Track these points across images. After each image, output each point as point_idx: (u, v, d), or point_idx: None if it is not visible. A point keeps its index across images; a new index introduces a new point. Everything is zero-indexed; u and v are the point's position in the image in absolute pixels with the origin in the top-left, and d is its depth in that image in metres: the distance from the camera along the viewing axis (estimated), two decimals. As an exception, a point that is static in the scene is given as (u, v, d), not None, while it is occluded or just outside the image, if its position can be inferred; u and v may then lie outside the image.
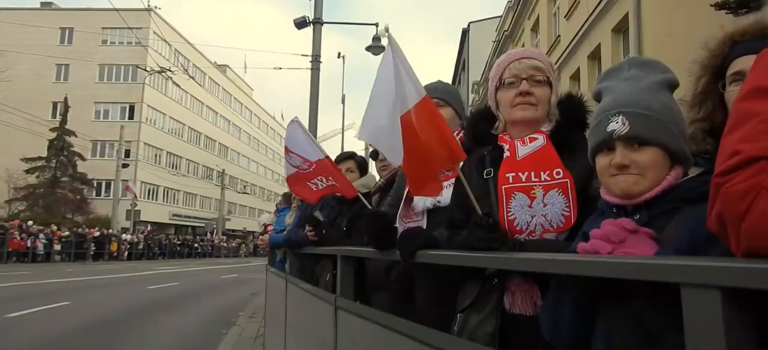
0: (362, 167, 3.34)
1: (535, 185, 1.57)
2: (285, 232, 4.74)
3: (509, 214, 1.58)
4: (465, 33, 38.74)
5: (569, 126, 1.67)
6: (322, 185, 2.84)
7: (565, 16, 15.22)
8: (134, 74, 43.74)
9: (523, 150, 1.65)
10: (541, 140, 1.65)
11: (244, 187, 62.18)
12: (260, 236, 4.90)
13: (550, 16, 17.59)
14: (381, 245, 2.02)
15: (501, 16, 27.39)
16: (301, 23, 14.22)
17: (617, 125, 1.21)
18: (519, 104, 1.68)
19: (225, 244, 50.47)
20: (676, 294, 0.85)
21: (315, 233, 3.32)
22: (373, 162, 3.13)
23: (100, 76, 45.92)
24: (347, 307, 2.45)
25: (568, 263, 1.08)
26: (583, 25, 12.60)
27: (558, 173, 1.56)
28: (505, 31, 23.86)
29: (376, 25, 15.96)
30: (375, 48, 15.95)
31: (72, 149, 39.34)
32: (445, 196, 2.11)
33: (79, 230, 32.00)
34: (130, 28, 32.43)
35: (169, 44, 39.31)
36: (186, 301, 12.97)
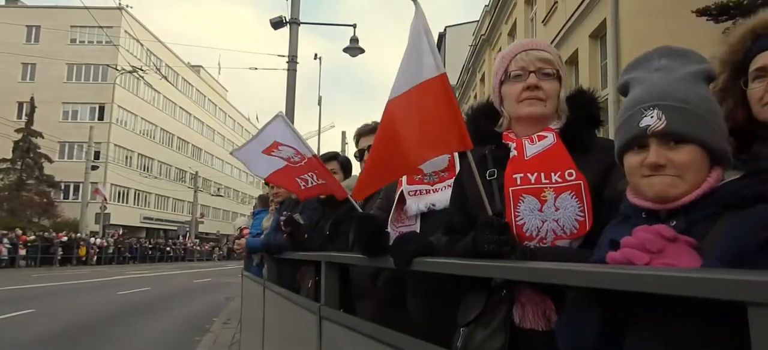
0: (346, 168, 3.18)
1: (546, 188, 1.44)
2: (263, 236, 4.55)
3: (517, 219, 1.44)
4: (441, 37, 38.93)
5: (580, 123, 1.54)
6: (311, 183, 2.68)
7: (542, 22, 15.28)
8: (104, 74, 42.72)
9: (531, 149, 1.51)
10: (550, 138, 1.52)
11: (218, 189, 61.29)
12: (236, 241, 4.68)
13: (528, 21, 17.66)
14: (372, 250, 1.87)
15: (478, 21, 27.51)
16: (277, 23, 14.00)
17: (652, 120, 1.07)
18: (526, 98, 1.55)
19: (198, 247, 49.60)
20: (728, 312, 0.74)
21: (293, 237, 3.14)
22: (358, 163, 2.97)
23: (69, 76, 44.70)
24: (333, 317, 2.30)
25: (606, 276, 0.94)
26: (560, 31, 12.64)
27: (570, 175, 1.43)
28: (482, 35, 23.93)
29: (354, 26, 15.81)
30: (352, 49, 15.82)
31: (38, 150, 38.12)
32: (440, 198, 1.98)
33: (46, 234, 31.01)
34: (100, 27, 31.56)
35: (140, 44, 38.49)
36: (158, 307, 12.60)
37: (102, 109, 44.43)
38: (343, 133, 35.32)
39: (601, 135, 1.65)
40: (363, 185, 1.94)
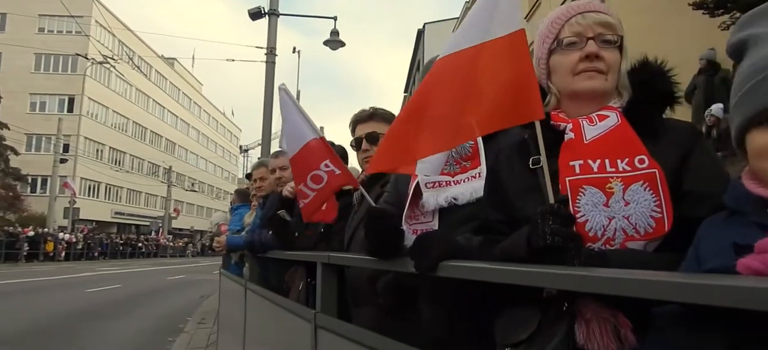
0: (342, 158, 2.88)
1: (612, 177, 1.17)
2: (244, 232, 4.22)
3: (578, 215, 1.17)
4: (420, 34, 38.81)
5: (646, 102, 1.28)
6: (323, 180, 2.22)
7: (525, 18, 15.19)
8: (74, 64, 41.48)
9: (591, 131, 1.25)
10: (613, 117, 1.26)
11: (193, 184, 60.21)
12: (216, 238, 4.32)
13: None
14: (385, 251, 1.59)
15: (458, 18, 27.44)
16: (255, 14, 13.65)
17: None
18: (584, 70, 1.28)
19: (171, 243, 48.58)
20: None
21: (280, 236, 2.82)
22: (355, 154, 2.67)
23: (37, 66, 43.23)
24: (330, 326, 2.01)
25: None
26: (544, 25, 12.55)
27: (642, 162, 1.17)
28: (462, 30, 23.74)
29: (335, 19, 15.52)
30: (333, 42, 15.53)
31: (4, 142, 36.75)
32: (463, 192, 1.70)
33: (11, 228, 29.91)
34: (70, 16, 30.53)
35: (112, 34, 37.40)
36: (128, 305, 12.10)
37: (71, 100, 43.13)
38: (321, 128, 34.85)
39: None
40: (398, 156, 1.60)
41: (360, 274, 2.17)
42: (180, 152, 60.82)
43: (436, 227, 1.72)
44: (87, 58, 32.65)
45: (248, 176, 5.48)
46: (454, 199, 1.69)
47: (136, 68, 23.69)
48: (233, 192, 6.25)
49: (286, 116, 2.32)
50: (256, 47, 15.81)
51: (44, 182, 39.63)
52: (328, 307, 2.11)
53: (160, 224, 49.41)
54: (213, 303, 11.35)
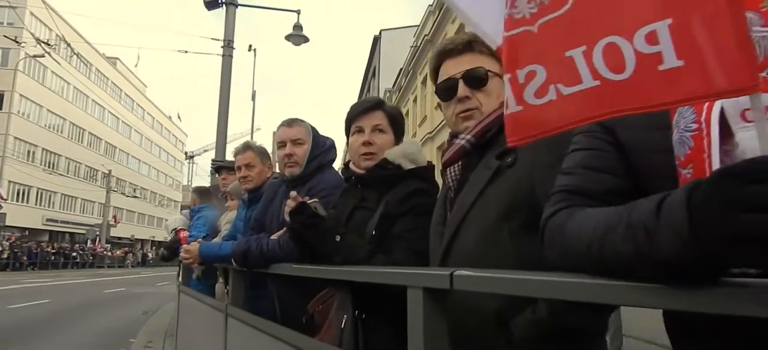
0: (397, 125, 1.93)
1: None
2: (224, 238, 3.15)
3: None
4: (376, 40, 38.32)
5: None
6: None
7: (499, 18, 14.59)
8: (5, 58, 38.37)
9: None
10: None
11: (134, 190, 57.07)
12: (183, 248, 3.11)
13: (479, 19, 16.95)
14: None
15: (418, 25, 26.86)
16: (211, 3, 12.51)
17: None
18: None
19: (109, 253, 45.55)
20: None
21: (309, 239, 1.77)
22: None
23: (-39, 59, 39.80)
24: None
25: None
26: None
27: None
28: (425, 35, 23.16)
29: (298, 12, 14.48)
30: (296, 37, 14.48)
31: None
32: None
33: (-75, 235, 26.99)
34: (2, 6, 28.06)
35: (49, 28, 34.69)
36: (58, 323, 10.51)
37: (1, 97, 39.86)
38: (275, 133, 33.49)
39: None
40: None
41: (480, 308, 1.22)
42: (121, 157, 57.66)
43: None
44: (18, 43, 29.82)
45: (218, 170, 4.41)
46: None
47: (75, 54, 21.62)
48: (192, 191, 5.15)
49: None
50: (212, 39, 14.52)
51: (-34, 185, 36.28)
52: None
53: (98, 233, 46.29)
54: (159, 321, 10.01)
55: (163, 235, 55.94)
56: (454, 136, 1.48)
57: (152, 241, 63.57)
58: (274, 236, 2.14)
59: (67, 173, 47.33)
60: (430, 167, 1.84)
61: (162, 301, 14.40)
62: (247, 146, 3.06)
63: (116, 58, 57.62)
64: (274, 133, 2.36)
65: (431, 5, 23.68)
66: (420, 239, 1.55)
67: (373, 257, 1.59)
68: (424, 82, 24.24)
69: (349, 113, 1.94)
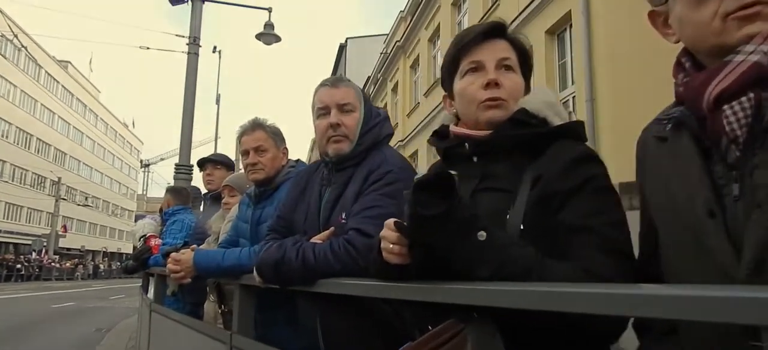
0: (526, 62, 1.31)
1: None
2: (223, 244, 2.44)
3: None
4: (342, 48, 37.87)
5: None
6: None
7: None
8: (-56, 57, 35.98)
9: None
10: None
11: (86, 199, 54.40)
12: (172, 258, 2.32)
13: (454, 24, 16.61)
14: None
15: (387, 34, 26.42)
16: (176, -1, 11.71)
17: None
18: None
19: (57, 265, 43.04)
20: None
21: (422, 238, 1.08)
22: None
23: None
24: None
25: None
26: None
27: None
28: (396, 42, 22.70)
29: (270, 10, 13.77)
30: (267, 36, 13.76)
31: None
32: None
33: None
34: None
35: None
36: (1, 341, 9.41)
37: (-61, 99, 37.37)
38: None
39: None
40: None
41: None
42: (72, 164, 54.96)
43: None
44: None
45: (201, 164, 3.71)
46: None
47: (22, 48, 20.18)
48: (166, 191, 4.41)
49: None
50: (176, 36, 13.64)
51: None
52: None
53: (45, 243, 43.74)
54: (116, 342, 9.07)
55: (115, 246, 53.77)
56: (725, 53, 0.86)
57: (104, 252, 60.88)
58: (317, 239, 1.52)
59: (12, 180, 44.69)
60: (582, 122, 1.25)
61: (116, 317, 13.32)
62: (256, 124, 2.35)
63: (68, 61, 55.16)
64: (314, 94, 1.72)
65: (402, 11, 23.29)
66: (615, 231, 0.97)
67: (544, 268, 0.99)
68: (394, 89, 23.79)
69: (456, 43, 1.29)
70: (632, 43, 7.39)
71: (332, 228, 1.55)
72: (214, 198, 3.52)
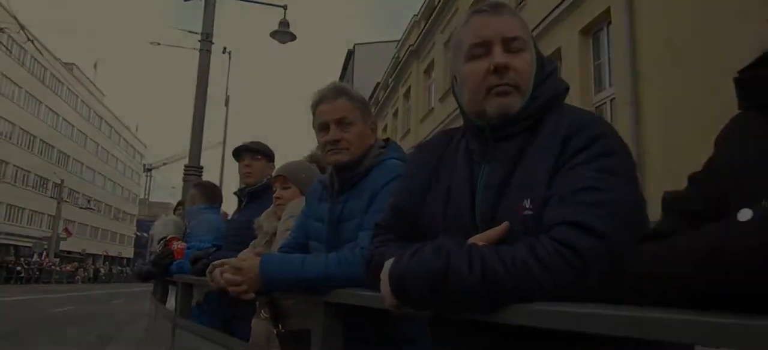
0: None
1: None
2: (283, 248, 1.83)
3: None
4: (350, 54, 37.56)
5: None
6: None
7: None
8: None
9: None
10: None
11: (89, 202, 53.89)
12: (219, 263, 1.76)
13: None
14: None
15: (399, 40, 25.99)
16: (188, -6, 11.31)
17: None
18: None
19: (58, 267, 42.43)
20: None
21: None
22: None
23: None
24: None
25: None
26: (533, 29, 11.00)
27: None
28: (410, 46, 22.20)
29: (285, 7, 13.31)
30: (282, 34, 13.29)
31: None
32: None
33: None
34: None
35: (1, 30, 32.26)
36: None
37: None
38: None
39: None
40: None
41: None
42: (74, 166, 54.52)
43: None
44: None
45: (236, 153, 3.15)
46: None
47: (27, 40, 19.69)
48: (193, 186, 3.86)
49: None
50: (189, 32, 13.15)
51: None
52: None
53: (46, 246, 43.18)
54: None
55: (116, 250, 53.36)
56: None
57: (105, 256, 60.33)
58: (478, 239, 0.95)
59: (15, 182, 44.23)
60: None
61: (119, 323, 12.76)
62: (340, 90, 1.71)
63: (73, 63, 54.87)
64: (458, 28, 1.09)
65: (416, 15, 22.84)
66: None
67: None
68: (406, 94, 23.28)
69: None
70: (686, 41, 6.84)
71: (506, 223, 0.98)
72: (253, 194, 2.96)
